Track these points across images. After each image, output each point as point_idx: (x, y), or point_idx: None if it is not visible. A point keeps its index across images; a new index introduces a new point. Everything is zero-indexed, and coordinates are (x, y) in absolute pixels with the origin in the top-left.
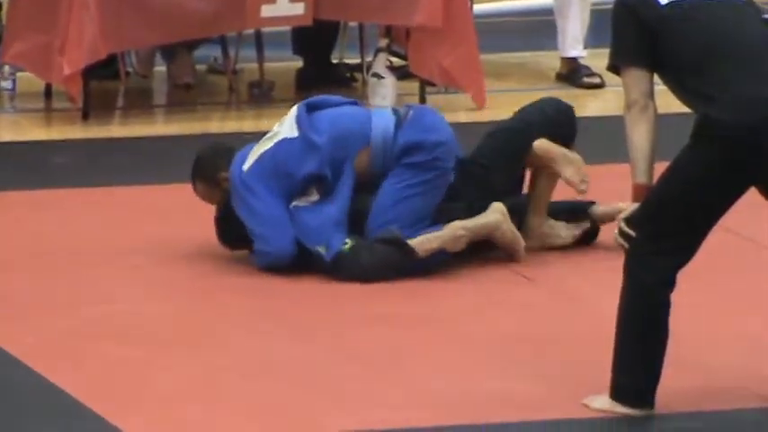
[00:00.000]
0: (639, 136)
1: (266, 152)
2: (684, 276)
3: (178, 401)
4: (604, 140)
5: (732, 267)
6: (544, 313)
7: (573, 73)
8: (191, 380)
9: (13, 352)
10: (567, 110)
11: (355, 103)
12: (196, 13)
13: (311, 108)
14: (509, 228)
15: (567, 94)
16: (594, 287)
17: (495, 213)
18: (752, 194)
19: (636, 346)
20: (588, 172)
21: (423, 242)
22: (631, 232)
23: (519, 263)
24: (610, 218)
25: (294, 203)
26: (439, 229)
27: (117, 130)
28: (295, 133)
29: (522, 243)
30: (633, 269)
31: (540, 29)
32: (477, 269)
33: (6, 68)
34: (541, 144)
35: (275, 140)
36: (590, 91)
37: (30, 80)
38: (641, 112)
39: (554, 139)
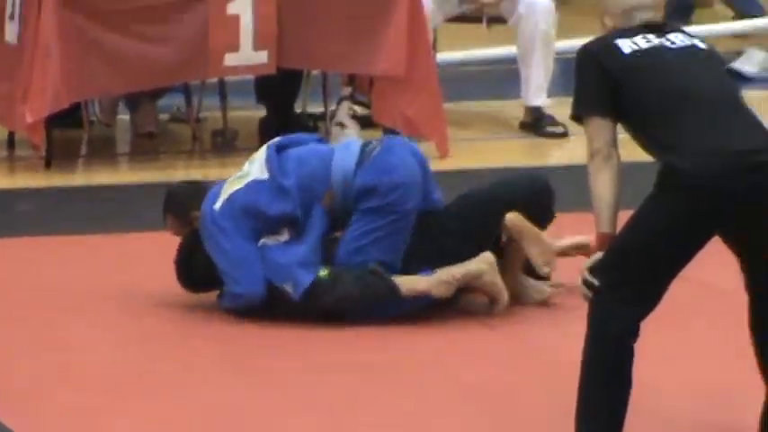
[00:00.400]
0: (603, 185)
1: (237, 192)
2: (646, 323)
3: None
4: (568, 190)
5: (693, 314)
6: (506, 363)
7: (536, 122)
8: (148, 428)
9: None
10: (545, 191)
11: (322, 141)
12: (159, 61)
13: (281, 148)
14: (492, 279)
15: (530, 143)
16: (558, 336)
17: (481, 263)
18: (714, 242)
19: (599, 395)
20: (553, 221)
21: (409, 282)
22: (595, 281)
23: (495, 314)
24: (565, 253)
25: (263, 241)
26: (428, 273)
27: (80, 178)
28: (265, 175)
29: (506, 297)
30: (596, 318)
31: (503, 77)
32: (442, 316)
33: None
34: (514, 218)
35: (246, 181)
36: (554, 140)
37: None
38: (605, 161)
39: (528, 217)
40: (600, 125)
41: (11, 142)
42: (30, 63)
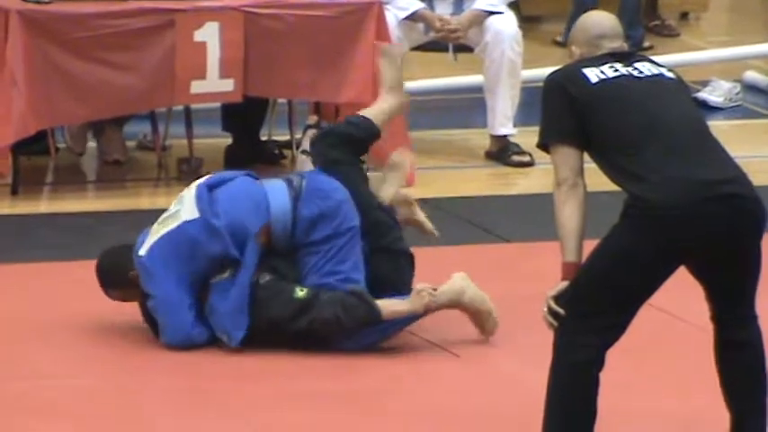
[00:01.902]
0: (569, 214)
1: (168, 233)
2: (611, 352)
3: None
4: (534, 218)
5: (659, 343)
6: (471, 390)
7: (502, 151)
8: None
9: None
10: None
11: (251, 175)
12: (126, 88)
13: (211, 187)
14: (474, 294)
15: (496, 172)
16: (523, 364)
17: (458, 280)
18: (680, 271)
19: (564, 424)
20: (518, 250)
21: (389, 304)
22: (560, 310)
23: (491, 334)
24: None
25: (211, 281)
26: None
27: (46, 205)
28: (196, 215)
29: (492, 309)
30: (562, 347)
31: (469, 106)
32: (407, 344)
33: None
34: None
35: (177, 222)
36: (519, 169)
37: None
38: (571, 190)
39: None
40: (566, 154)
41: None
42: None
